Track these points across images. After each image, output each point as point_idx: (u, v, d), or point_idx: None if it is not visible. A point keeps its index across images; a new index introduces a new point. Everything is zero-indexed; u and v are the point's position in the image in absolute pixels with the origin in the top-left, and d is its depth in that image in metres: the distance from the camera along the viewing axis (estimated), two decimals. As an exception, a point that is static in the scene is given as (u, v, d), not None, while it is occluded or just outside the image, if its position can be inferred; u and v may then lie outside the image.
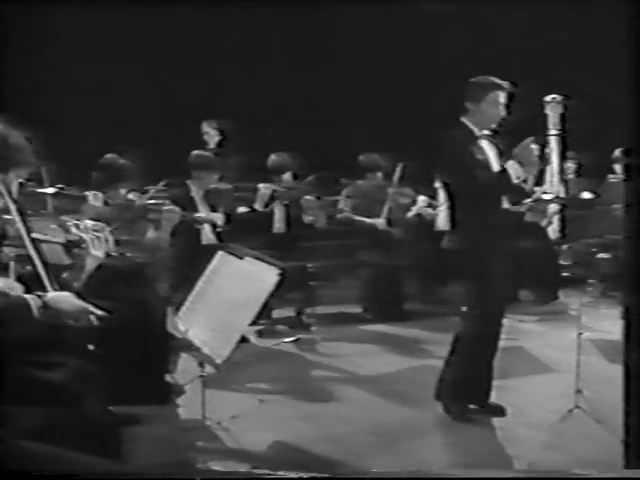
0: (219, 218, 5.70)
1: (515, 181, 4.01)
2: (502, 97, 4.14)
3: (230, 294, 3.45)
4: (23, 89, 6.52)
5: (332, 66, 8.43)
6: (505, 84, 4.15)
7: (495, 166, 4.08)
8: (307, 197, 6.43)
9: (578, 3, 7.74)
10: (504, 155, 4.12)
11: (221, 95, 7.75)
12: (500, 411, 4.10)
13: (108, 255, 3.16)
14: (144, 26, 7.78)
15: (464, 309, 4.11)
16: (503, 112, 4.12)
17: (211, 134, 7.08)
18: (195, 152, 5.88)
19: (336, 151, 7.33)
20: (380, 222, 6.74)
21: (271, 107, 8.10)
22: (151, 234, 4.77)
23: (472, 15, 8.19)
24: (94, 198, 4.60)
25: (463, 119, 4.14)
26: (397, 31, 8.53)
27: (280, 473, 2.63)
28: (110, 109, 7.49)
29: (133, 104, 7.52)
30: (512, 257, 4.24)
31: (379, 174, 6.87)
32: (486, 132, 4.14)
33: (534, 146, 4.10)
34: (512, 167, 4.00)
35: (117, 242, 3.36)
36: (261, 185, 6.05)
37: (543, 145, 4.17)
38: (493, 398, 4.13)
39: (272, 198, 6.22)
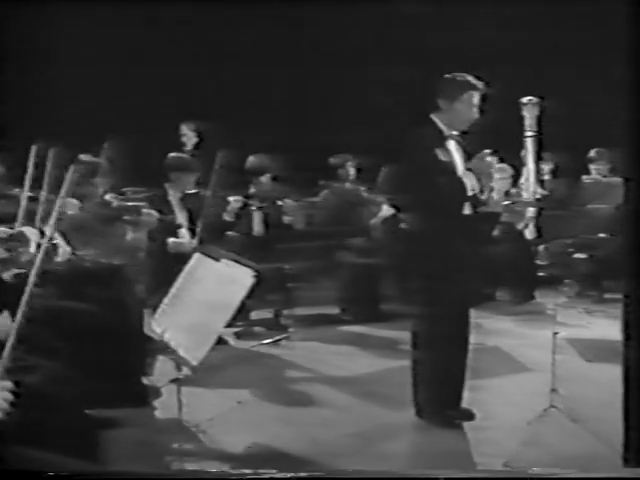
0: (185, 247, 5.48)
1: (470, 192, 4.02)
2: (476, 98, 4.12)
3: (206, 296, 3.45)
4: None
5: (309, 67, 8.44)
6: (480, 85, 4.13)
7: (459, 168, 4.06)
8: (286, 200, 6.44)
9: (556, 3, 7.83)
10: (471, 158, 4.12)
11: (197, 97, 7.74)
12: (469, 415, 4.06)
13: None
14: (120, 26, 7.75)
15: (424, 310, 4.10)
16: (476, 114, 4.12)
17: (189, 136, 7.07)
18: (172, 154, 5.86)
19: (314, 152, 7.33)
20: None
21: (249, 109, 8.09)
22: (130, 236, 4.76)
23: (451, 15, 8.24)
24: (69, 205, 4.55)
25: (433, 116, 4.10)
26: (375, 31, 8.56)
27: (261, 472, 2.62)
28: (87, 109, 7.44)
29: (110, 104, 7.49)
30: (481, 258, 4.24)
31: (351, 172, 6.88)
32: (455, 133, 4.12)
33: (490, 159, 4.11)
34: (468, 177, 4.01)
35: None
36: (231, 198, 6.00)
37: (502, 158, 4.16)
38: (469, 398, 4.13)
39: (245, 206, 6.17)
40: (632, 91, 2.62)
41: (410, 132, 4.17)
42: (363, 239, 6.68)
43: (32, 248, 3.70)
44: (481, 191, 4.08)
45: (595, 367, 5.06)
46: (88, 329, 3.85)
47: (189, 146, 6.99)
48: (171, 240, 5.42)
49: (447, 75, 4.17)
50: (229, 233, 6.06)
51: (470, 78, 4.14)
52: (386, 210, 6.73)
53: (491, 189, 4.18)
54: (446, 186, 3.96)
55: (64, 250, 4.20)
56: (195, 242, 5.33)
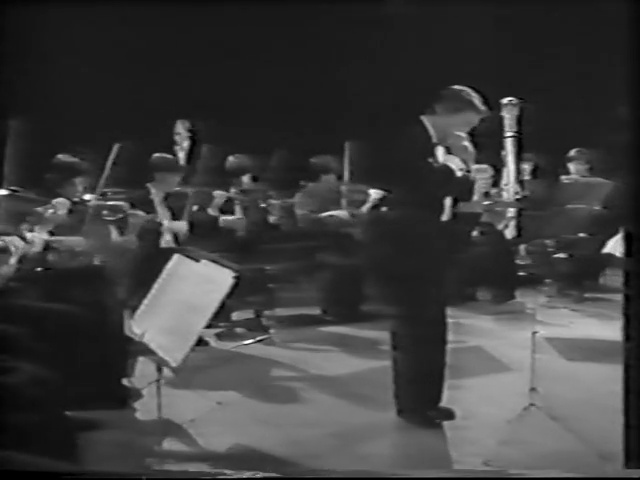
0: (183, 228, 5.65)
1: (459, 173, 4.01)
2: (475, 121, 4.09)
3: (185, 297, 3.45)
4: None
5: (291, 67, 8.44)
6: (483, 109, 4.09)
7: (441, 156, 4.05)
8: (271, 200, 6.45)
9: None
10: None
11: (180, 96, 7.72)
12: (449, 414, 4.06)
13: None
14: (107, 25, 7.71)
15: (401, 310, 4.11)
16: (466, 136, 4.09)
17: (183, 135, 7.05)
18: (157, 154, 5.85)
19: (295, 153, 7.34)
20: (343, 214, 6.72)
21: (230, 108, 8.08)
22: (116, 236, 4.75)
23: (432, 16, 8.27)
24: (60, 205, 4.51)
25: (424, 118, 4.07)
26: (361, 32, 8.57)
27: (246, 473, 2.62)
28: (70, 107, 7.40)
29: (94, 103, 7.44)
30: (461, 258, 4.26)
31: (332, 176, 6.89)
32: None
33: (459, 133, 4.09)
34: (449, 160, 4.00)
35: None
36: (217, 192, 6.03)
37: (471, 134, 4.15)
38: (450, 397, 4.15)
39: (230, 202, 6.20)
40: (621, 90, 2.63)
41: (397, 131, 4.16)
42: (345, 237, 6.68)
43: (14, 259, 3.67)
44: (468, 171, 4.09)
45: (574, 366, 5.10)
46: (68, 330, 3.84)
47: (182, 145, 6.95)
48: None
49: (454, 86, 4.12)
50: (212, 232, 6.06)
51: (476, 99, 4.09)
52: (375, 194, 6.71)
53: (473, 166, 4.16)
54: (433, 170, 3.96)
55: (39, 239, 4.16)
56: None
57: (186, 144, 7.00)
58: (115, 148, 5.05)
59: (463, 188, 4.14)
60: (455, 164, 4.01)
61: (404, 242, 4.03)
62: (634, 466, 2.39)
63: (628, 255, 2.44)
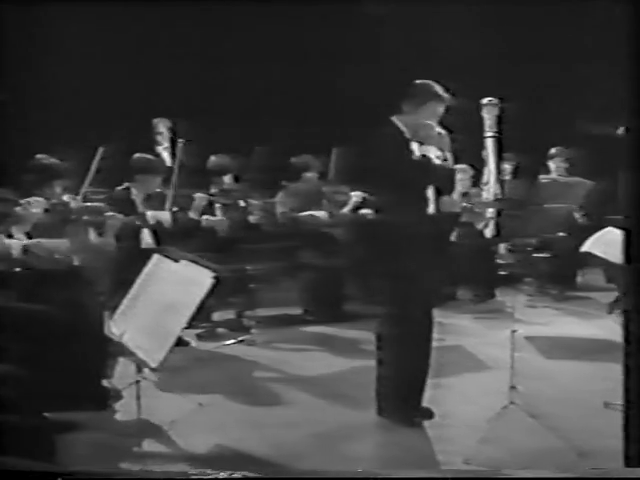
0: (166, 218, 5.65)
1: (437, 161, 4.03)
2: (440, 109, 4.14)
3: (165, 297, 3.43)
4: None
5: (272, 66, 8.43)
6: (446, 96, 4.14)
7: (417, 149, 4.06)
8: (251, 200, 6.44)
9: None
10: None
11: (161, 95, 7.70)
12: (428, 414, 4.08)
13: None
14: (86, 23, 7.67)
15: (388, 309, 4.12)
16: (436, 124, 4.12)
17: (165, 135, 7.02)
18: (137, 155, 5.82)
19: (276, 152, 7.33)
20: (323, 214, 6.72)
21: (211, 108, 8.07)
22: (94, 237, 4.73)
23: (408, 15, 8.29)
24: (35, 204, 4.48)
25: (394, 119, 4.11)
26: (337, 31, 8.58)
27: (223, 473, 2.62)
28: (49, 107, 7.36)
29: (75, 103, 7.41)
30: (441, 257, 4.27)
31: (312, 174, 6.88)
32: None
33: (427, 122, 4.11)
34: (426, 150, 4.02)
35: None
36: (197, 194, 6.00)
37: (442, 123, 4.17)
38: (431, 396, 4.16)
39: (211, 204, 6.18)
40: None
41: (373, 131, 4.18)
42: (326, 237, 6.69)
43: None
44: (445, 159, 4.11)
45: (554, 364, 5.14)
46: (47, 331, 3.82)
47: (163, 144, 6.92)
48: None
49: (416, 81, 4.18)
50: (192, 232, 6.04)
51: (438, 88, 4.15)
52: (356, 196, 6.72)
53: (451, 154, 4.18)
54: (413, 164, 3.97)
55: (17, 244, 4.15)
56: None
57: (167, 144, 6.97)
58: (100, 151, 5.04)
59: (444, 176, 4.16)
60: (433, 153, 4.03)
61: (386, 243, 4.04)
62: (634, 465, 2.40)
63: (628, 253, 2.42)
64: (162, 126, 7.01)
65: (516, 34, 8.47)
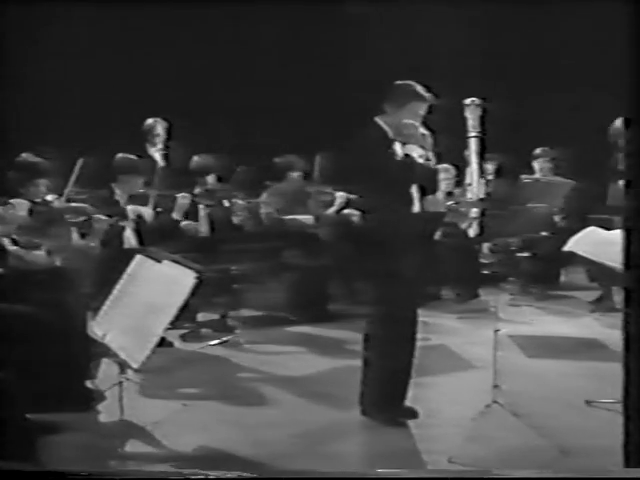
0: (148, 213, 5.63)
1: (420, 160, 4.04)
2: (422, 109, 4.15)
3: (147, 298, 3.42)
4: None
5: (255, 66, 8.43)
6: (427, 96, 4.15)
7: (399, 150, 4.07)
8: (235, 200, 6.43)
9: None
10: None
11: (145, 94, 7.67)
12: (412, 414, 4.08)
13: None
14: (74, 22, 7.65)
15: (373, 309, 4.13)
16: (419, 124, 4.13)
17: (161, 135, 6.97)
18: (120, 155, 5.80)
19: (260, 152, 7.33)
20: (308, 218, 6.72)
21: (195, 108, 8.05)
22: (77, 239, 4.71)
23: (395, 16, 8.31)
24: (19, 206, 4.46)
25: (378, 119, 4.12)
26: (323, 32, 8.59)
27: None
28: (34, 107, 7.32)
29: (61, 103, 7.38)
30: (426, 257, 4.28)
31: (297, 174, 6.88)
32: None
33: (410, 122, 4.12)
34: (409, 150, 4.03)
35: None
36: (179, 195, 5.98)
37: (425, 123, 4.19)
38: (415, 396, 4.17)
39: (194, 205, 6.15)
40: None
41: (357, 132, 4.19)
42: (311, 238, 6.68)
43: None
44: (427, 159, 4.12)
45: (537, 363, 5.17)
46: (30, 332, 3.80)
47: (158, 144, 6.87)
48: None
49: (398, 82, 4.19)
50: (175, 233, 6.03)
51: (419, 88, 4.16)
52: (341, 197, 6.70)
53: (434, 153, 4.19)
54: (396, 164, 3.98)
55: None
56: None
57: (162, 145, 6.93)
58: (80, 162, 5.02)
59: (427, 176, 4.18)
60: (416, 152, 4.04)
61: (370, 243, 4.05)
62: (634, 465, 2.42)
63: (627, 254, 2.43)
64: (159, 127, 6.97)
65: (499, 34, 8.51)
